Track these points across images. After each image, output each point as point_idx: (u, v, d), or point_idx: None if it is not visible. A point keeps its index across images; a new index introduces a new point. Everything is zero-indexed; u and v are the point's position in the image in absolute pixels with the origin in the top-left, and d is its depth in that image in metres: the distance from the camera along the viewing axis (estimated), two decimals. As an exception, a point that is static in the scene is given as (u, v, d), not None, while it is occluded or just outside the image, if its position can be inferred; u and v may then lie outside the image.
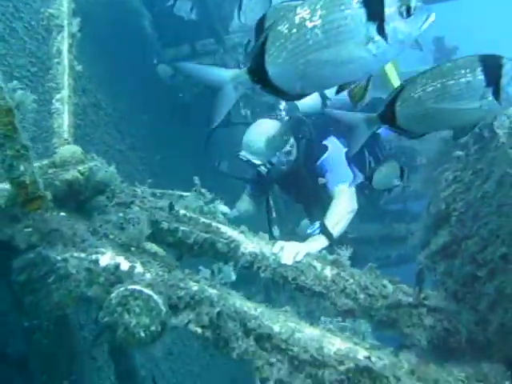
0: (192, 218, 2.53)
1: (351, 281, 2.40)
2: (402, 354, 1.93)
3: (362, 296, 2.37)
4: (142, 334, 1.80)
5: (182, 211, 2.55)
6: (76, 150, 2.32)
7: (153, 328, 1.79)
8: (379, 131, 4.44)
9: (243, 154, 3.54)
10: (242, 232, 2.54)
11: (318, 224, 3.09)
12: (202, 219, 2.54)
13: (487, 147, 2.51)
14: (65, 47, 3.03)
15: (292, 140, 3.68)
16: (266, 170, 3.52)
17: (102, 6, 5.77)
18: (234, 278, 6.55)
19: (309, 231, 3.11)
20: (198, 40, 6.39)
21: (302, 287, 2.40)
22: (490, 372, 1.75)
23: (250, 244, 2.49)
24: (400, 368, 1.81)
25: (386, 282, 2.41)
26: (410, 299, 2.35)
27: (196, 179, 2.75)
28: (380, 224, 5.94)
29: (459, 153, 2.63)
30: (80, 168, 2.20)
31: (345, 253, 2.42)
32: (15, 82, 1.79)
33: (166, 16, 6.01)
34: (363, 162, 4.09)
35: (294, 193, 4.10)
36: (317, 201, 3.87)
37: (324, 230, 3.00)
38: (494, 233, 2.23)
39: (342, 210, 3.25)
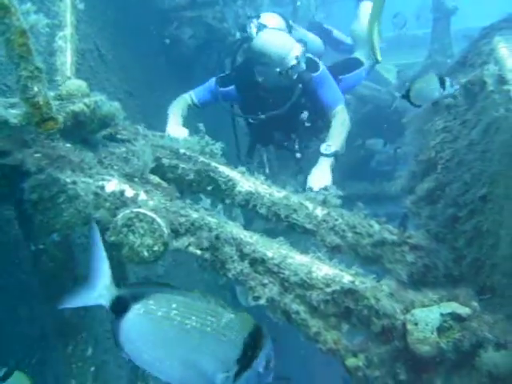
0: (192, 156, 2.64)
1: (340, 220, 2.54)
2: (383, 280, 2.10)
3: (349, 234, 2.52)
4: (146, 254, 1.94)
5: (183, 150, 2.66)
6: (81, 83, 2.41)
7: (155, 248, 1.94)
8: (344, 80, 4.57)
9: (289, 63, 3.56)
10: (239, 172, 2.66)
11: (332, 148, 3.55)
12: (202, 158, 2.65)
13: (476, 99, 2.63)
14: (67, -16, 3.04)
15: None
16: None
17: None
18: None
19: (323, 151, 3.53)
20: (197, -11, 6.36)
21: (294, 224, 2.53)
22: (460, 293, 1.93)
23: (247, 183, 2.61)
24: (380, 291, 1.98)
25: (372, 222, 2.56)
26: (395, 238, 2.50)
27: (201, 125, 2.84)
28: (370, 183, 6.09)
29: (450, 100, 2.75)
30: (86, 101, 2.29)
31: (334, 191, 2.56)
32: (29, 4, 1.86)
33: None
34: None
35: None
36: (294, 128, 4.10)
37: (335, 153, 3.53)
38: (476, 177, 2.38)
39: (343, 131, 3.71)
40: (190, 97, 4.08)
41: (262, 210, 2.55)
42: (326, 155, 3.51)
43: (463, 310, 1.81)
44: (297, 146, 4.07)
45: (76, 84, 2.39)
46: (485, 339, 1.77)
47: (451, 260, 2.44)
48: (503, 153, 2.07)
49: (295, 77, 3.64)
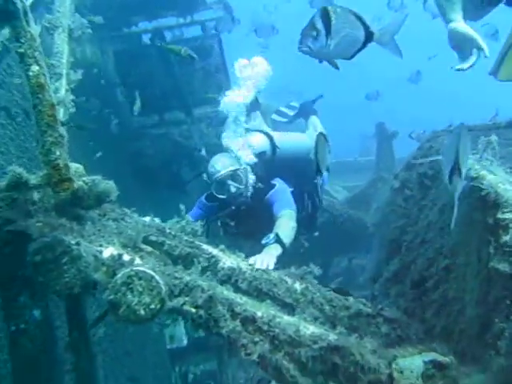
0: (176, 235, 2.81)
1: (318, 294, 2.71)
2: (366, 338, 2.23)
3: (327, 307, 2.67)
4: (142, 312, 2.02)
5: (168, 230, 2.83)
6: (79, 166, 2.61)
7: (152, 306, 2.02)
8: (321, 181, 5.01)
9: (219, 174, 4.10)
10: (221, 250, 2.83)
11: (272, 235, 3.54)
12: (186, 237, 2.82)
13: (430, 187, 3.02)
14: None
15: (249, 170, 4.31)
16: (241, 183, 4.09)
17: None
18: (185, 342, 6.62)
19: (264, 241, 3.49)
20: (167, 111, 6.97)
21: (275, 298, 2.67)
22: (436, 347, 2.08)
23: (228, 260, 2.77)
24: (364, 347, 2.11)
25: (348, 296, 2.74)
26: (369, 310, 2.66)
27: (182, 207, 3.06)
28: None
29: (407, 191, 3.12)
30: (84, 179, 2.48)
31: (313, 269, 2.75)
32: (57, 83, 2.12)
33: (138, 88, 6.59)
34: (302, 204, 4.62)
35: (241, 225, 4.46)
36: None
37: (278, 240, 3.47)
38: (437, 251, 2.65)
39: (288, 226, 3.81)
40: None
41: (244, 285, 2.68)
42: (266, 243, 3.49)
43: (443, 359, 1.95)
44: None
45: (75, 166, 2.59)
46: (464, 386, 1.90)
47: (421, 331, 2.61)
48: (462, 223, 2.37)
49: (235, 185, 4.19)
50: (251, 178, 4.32)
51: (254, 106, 6.80)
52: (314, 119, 5.63)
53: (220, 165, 4.21)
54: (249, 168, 4.35)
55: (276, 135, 4.90)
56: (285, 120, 6.27)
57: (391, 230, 3.14)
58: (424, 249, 2.81)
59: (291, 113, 6.07)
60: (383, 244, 3.31)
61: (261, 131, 5.00)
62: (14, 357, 2.58)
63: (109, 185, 2.56)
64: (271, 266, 2.79)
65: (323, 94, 6.06)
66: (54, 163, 1.95)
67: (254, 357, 2.04)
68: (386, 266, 3.16)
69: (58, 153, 1.94)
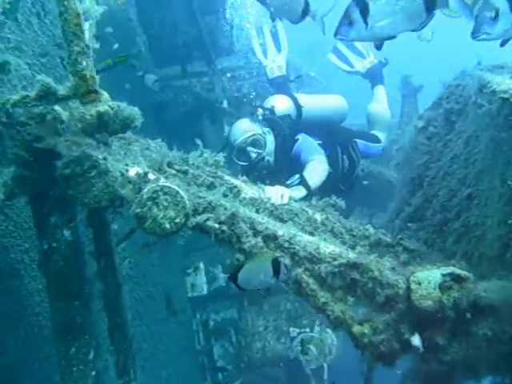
0: (199, 166, 2.85)
1: (338, 224, 2.74)
2: (385, 258, 2.27)
3: (347, 236, 2.70)
4: (168, 226, 2.09)
5: (191, 161, 2.87)
6: (104, 92, 2.64)
7: (177, 220, 2.09)
8: (360, 143, 4.84)
9: (238, 141, 3.98)
10: (243, 181, 2.87)
11: (296, 176, 3.46)
12: (208, 168, 2.86)
13: (455, 122, 2.98)
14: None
15: (271, 136, 4.16)
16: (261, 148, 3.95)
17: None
18: (206, 291, 6.73)
19: (288, 182, 3.42)
20: (189, 62, 6.91)
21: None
22: (455, 264, 2.11)
23: (251, 190, 2.81)
24: (383, 265, 2.15)
25: (368, 226, 2.77)
26: (389, 240, 2.69)
27: (198, 140, 3.08)
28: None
29: (432, 129, 3.09)
30: (110, 103, 2.51)
31: (336, 201, 2.77)
32: None
33: (160, 39, 6.54)
34: (336, 159, 4.42)
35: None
36: None
37: (303, 182, 3.39)
38: (460, 181, 2.65)
39: (316, 168, 3.67)
40: None
41: (265, 214, 2.72)
42: (291, 183, 3.46)
43: (462, 272, 1.99)
44: None
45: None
46: (481, 298, 1.93)
47: (441, 259, 2.63)
48: (488, 149, 2.36)
49: (255, 151, 4.03)
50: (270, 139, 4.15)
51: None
52: (380, 90, 5.38)
53: (238, 132, 4.08)
54: (268, 130, 4.17)
55: (302, 97, 4.67)
56: (347, 69, 5.90)
57: (414, 168, 3.13)
58: (447, 181, 2.80)
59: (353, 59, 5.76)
60: (405, 182, 3.30)
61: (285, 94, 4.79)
62: (48, 272, 2.70)
63: (134, 110, 2.59)
64: (285, 200, 2.73)
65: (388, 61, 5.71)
66: (81, 73, 1.99)
67: (275, 269, 2.10)
68: (409, 200, 3.16)
69: (84, 63, 1.98)
